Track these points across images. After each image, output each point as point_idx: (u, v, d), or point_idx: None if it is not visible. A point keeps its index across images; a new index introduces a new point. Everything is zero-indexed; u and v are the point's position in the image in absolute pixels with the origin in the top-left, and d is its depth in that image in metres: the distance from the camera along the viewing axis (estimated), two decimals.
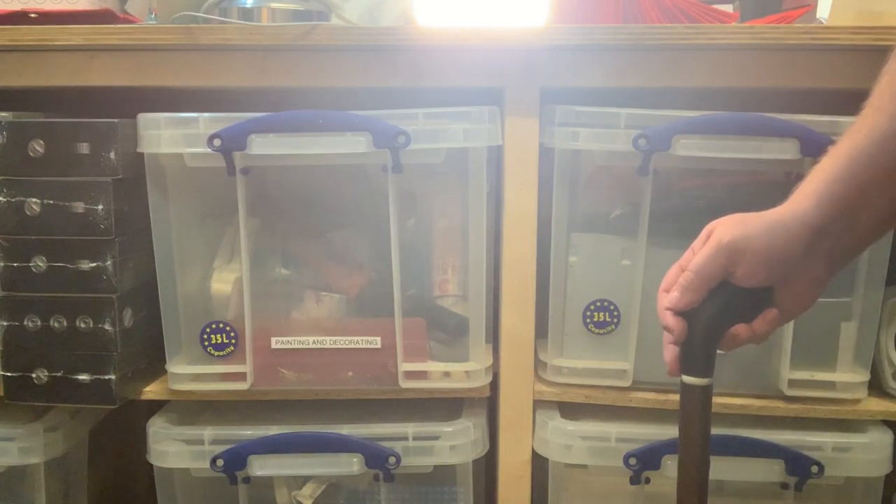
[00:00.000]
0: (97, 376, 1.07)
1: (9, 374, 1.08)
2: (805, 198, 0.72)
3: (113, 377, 1.07)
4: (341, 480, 1.16)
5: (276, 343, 1.11)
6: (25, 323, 1.07)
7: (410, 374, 1.11)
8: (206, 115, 1.05)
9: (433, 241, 1.17)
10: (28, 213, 1.05)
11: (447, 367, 1.11)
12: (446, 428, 1.12)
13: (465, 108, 1.05)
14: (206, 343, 1.12)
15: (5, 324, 1.07)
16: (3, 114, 1.08)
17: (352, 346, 1.11)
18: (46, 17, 1.09)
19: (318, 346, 1.11)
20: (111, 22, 1.10)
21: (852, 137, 0.70)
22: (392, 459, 1.10)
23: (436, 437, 1.11)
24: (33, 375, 1.08)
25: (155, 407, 1.18)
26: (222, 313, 1.14)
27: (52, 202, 1.04)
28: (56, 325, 1.07)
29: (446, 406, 1.17)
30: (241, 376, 1.11)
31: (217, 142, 1.04)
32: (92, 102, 1.21)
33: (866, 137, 0.69)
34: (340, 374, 1.11)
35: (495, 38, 1.05)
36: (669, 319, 0.74)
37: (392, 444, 1.10)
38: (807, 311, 0.76)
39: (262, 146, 1.05)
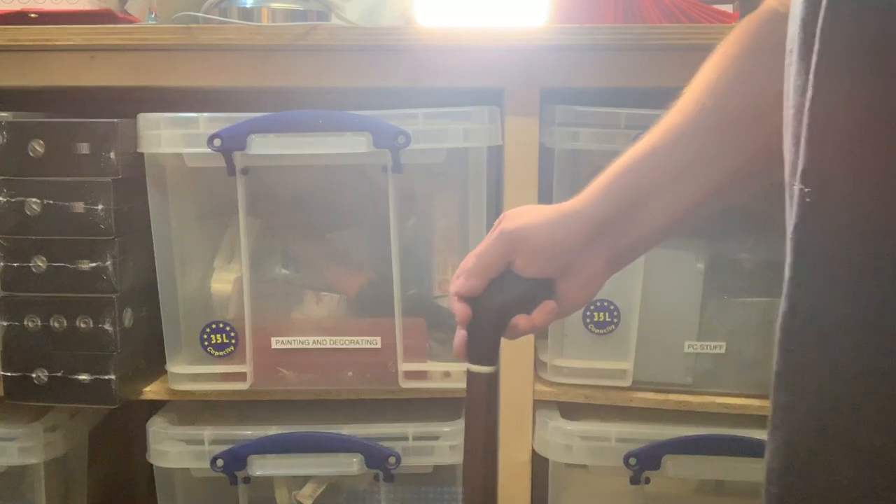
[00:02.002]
0: (97, 376, 1.07)
1: (9, 374, 1.08)
2: (591, 191, 0.72)
3: (113, 377, 1.07)
4: (341, 480, 1.16)
5: (276, 343, 1.11)
6: (25, 323, 1.07)
7: (410, 374, 1.11)
8: (206, 115, 1.05)
9: (433, 241, 1.16)
10: (28, 213, 1.05)
11: (447, 367, 1.11)
12: (446, 428, 1.12)
13: (465, 108, 1.05)
14: (206, 343, 1.12)
15: (5, 324, 1.07)
16: (3, 114, 1.08)
17: (352, 346, 1.11)
18: (46, 17, 1.09)
19: (318, 346, 1.11)
20: (111, 22, 1.10)
21: (649, 135, 0.71)
22: (392, 459, 1.09)
23: (436, 437, 1.11)
24: (33, 375, 1.08)
25: (155, 407, 1.18)
26: (222, 313, 1.14)
27: (52, 202, 1.04)
28: (56, 325, 1.07)
29: (446, 406, 1.17)
30: (241, 376, 1.11)
31: (217, 142, 1.04)
32: (92, 102, 1.21)
33: (659, 136, 0.70)
34: (340, 374, 1.11)
35: (495, 38, 1.05)
36: (455, 304, 0.74)
37: (392, 444, 1.10)
38: (584, 305, 0.76)
39: (262, 146, 1.05)
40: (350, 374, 1.11)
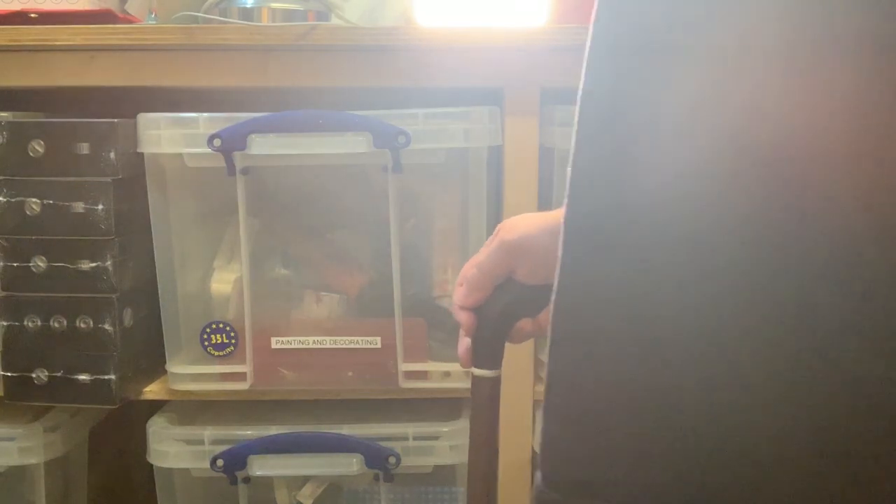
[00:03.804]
0: (97, 376, 1.07)
1: (9, 374, 1.08)
2: None
3: (113, 377, 1.07)
4: (341, 480, 1.16)
5: (276, 343, 1.11)
6: (25, 323, 1.07)
7: (410, 374, 1.11)
8: (206, 115, 1.05)
9: (433, 241, 1.17)
10: (28, 213, 1.05)
11: (447, 367, 1.11)
12: (446, 428, 1.12)
13: (465, 108, 1.05)
14: (206, 343, 1.12)
15: (5, 324, 1.07)
16: (3, 114, 1.08)
17: (352, 346, 1.11)
18: (46, 17, 1.09)
19: (318, 346, 1.11)
20: (111, 22, 1.10)
21: None
22: (392, 459, 1.09)
23: (436, 437, 1.11)
24: (33, 375, 1.08)
25: (155, 407, 1.18)
26: (222, 313, 1.14)
27: (52, 202, 1.04)
28: (56, 325, 1.07)
29: (446, 406, 1.17)
30: (241, 376, 1.11)
31: (217, 142, 1.04)
32: (92, 102, 1.21)
33: None
34: (340, 374, 1.11)
35: (495, 38, 1.05)
36: (460, 315, 0.75)
37: (392, 444, 1.10)
38: None
39: (262, 146, 1.05)
40: (350, 374, 1.11)
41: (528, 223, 0.74)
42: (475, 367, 0.76)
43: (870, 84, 0.44)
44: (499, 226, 0.76)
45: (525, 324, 0.75)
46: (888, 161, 0.44)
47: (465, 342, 0.76)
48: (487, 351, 0.76)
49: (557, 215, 0.73)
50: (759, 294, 0.47)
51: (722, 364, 0.48)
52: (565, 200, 0.54)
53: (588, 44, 0.52)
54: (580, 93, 0.53)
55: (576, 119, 0.53)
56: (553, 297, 0.55)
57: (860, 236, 0.44)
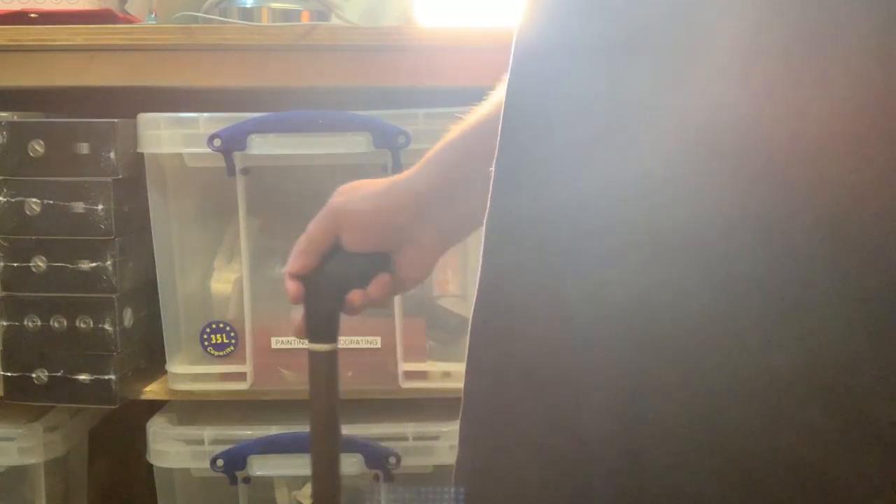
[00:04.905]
0: (97, 376, 1.07)
1: (9, 374, 1.08)
2: (421, 162, 0.72)
3: (113, 377, 1.07)
4: (341, 480, 1.16)
5: (276, 343, 1.11)
6: (25, 323, 1.07)
7: (410, 374, 1.11)
8: (206, 115, 1.05)
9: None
10: (28, 213, 1.05)
11: (447, 367, 1.11)
12: (446, 428, 1.12)
13: (465, 108, 1.05)
14: (206, 343, 1.12)
15: (5, 324, 1.07)
16: (3, 114, 1.08)
17: (352, 346, 1.11)
18: (46, 17, 1.09)
19: None
20: (111, 22, 1.10)
21: (482, 105, 0.71)
22: (392, 459, 1.09)
23: (436, 437, 1.11)
24: (33, 375, 1.08)
25: (155, 407, 1.18)
26: (222, 313, 1.14)
27: (52, 202, 1.04)
28: (56, 325, 1.07)
29: (446, 406, 1.17)
30: (241, 376, 1.11)
31: (217, 142, 1.04)
32: (92, 102, 1.21)
33: (488, 107, 0.70)
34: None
35: (495, 37, 1.05)
36: (288, 283, 0.73)
37: (392, 444, 1.10)
38: (423, 280, 0.75)
39: (262, 146, 1.05)
40: (350, 374, 1.11)
41: (360, 187, 0.73)
42: (309, 340, 0.74)
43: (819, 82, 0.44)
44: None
45: (354, 295, 0.72)
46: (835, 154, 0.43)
47: (297, 313, 0.74)
48: (320, 323, 0.73)
49: (390, 180, 0.72)
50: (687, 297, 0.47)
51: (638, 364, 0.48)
52: (489, 199, 0.54)
53: (513, 45, 0.52)
54: (506, 93, 0.52)
55: (501, 119, 0.52)
56: (476, 293, 0.54)
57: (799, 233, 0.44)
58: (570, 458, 0.50)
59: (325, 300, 0.73)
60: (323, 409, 0.75)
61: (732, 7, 0.45)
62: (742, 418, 0.45)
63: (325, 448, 0.75)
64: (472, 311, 0.54)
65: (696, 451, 0.46)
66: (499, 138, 0.53)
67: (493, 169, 0.53)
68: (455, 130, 0.71)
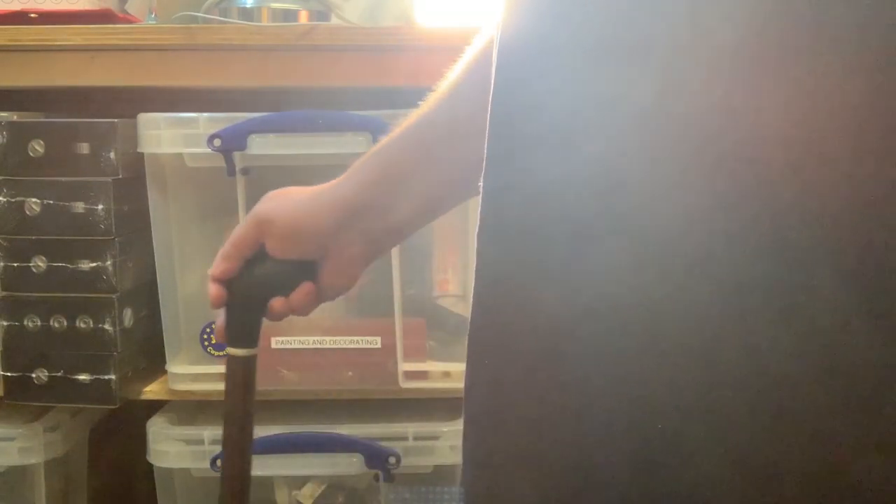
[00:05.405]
0: (97, 376, 1.07)
1: (9, 374, 1.08)
2: (348, 173, 0.71)
3: (113, 377, 1.07)
4: (341, 480, 1.16)
5: (276, 343, 1.11)
6: (25, 323, 1.07)
7: (410, 374, 1.11)
8: (206, 115, 1.05)
9: (433, 241, 1.16)
10: (28, 213, 1.05)
11: (447, 367, 1.11)
12: (446, 428, 1.12)
13: None
14: (206, 343, 1.12)
15: (5, 324, 1.07)
16: (3, 114, 1.08)
17: (352, 346, 1.11)
18: (46, 17, 1.09)
19: (318, 346, 1.11)
20: (111, 22, 1.10)
21: (408, 116, 0.70)
22: (392, 459, 1.09)
23: (436, 437, 1.11)
24: (33, 375, 1.07)
25: (155, 407, 1.18)
26: None
27: (52, 202, 1.04)
28: (56, 325, 1.07)
29: (446, 406, 1.17)
30: None
31: (217, 142, 1.04)
32: (92, 102, 1.21)
33: (413, 118, 0.69)
34: (340, 374, 1.11)
35: None
36: (210, 286, 0.73)
37: (392, 444, 1.10)
38: (348, 289, 0.74)
39: (262, 146, 1.05)
40: (350, 374, 1.11)
41: (286, 195, 0.72)
42: (228, 344, 0.74)
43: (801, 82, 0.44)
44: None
45: (276, 302, 0.72)
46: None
47: (221, 317, 0.74)
48: (239, 328, 0.73)
49: (315, 189, 0.72)
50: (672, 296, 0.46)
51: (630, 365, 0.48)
52: (480, 198, 0.53)
53: (497, 43, 0.52)
54: (492, 89, 0.52)
55: (488, 116, 0.52)
56: (473, 287, 0.54)
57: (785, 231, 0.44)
58: (569, 465, 0.49)
59: (245, 306, 0.73)
60: (237, 412, 0.75)
61: (721, 9, 0.45)
62: (753, 423, 0.45)
63: (237, 451, 0.75)
64: (470, 312, 0.54)
65: (707, 456, 0.46)
66: (487, 143, 0.53)
67: (481, 182, 0.53)
68: (383, 141, 0.71)
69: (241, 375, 0.74)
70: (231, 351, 0.74)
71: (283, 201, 0.71)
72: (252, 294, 0.72)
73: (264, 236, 0.71)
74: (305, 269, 0.72)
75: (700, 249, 0.45)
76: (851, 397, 0.43)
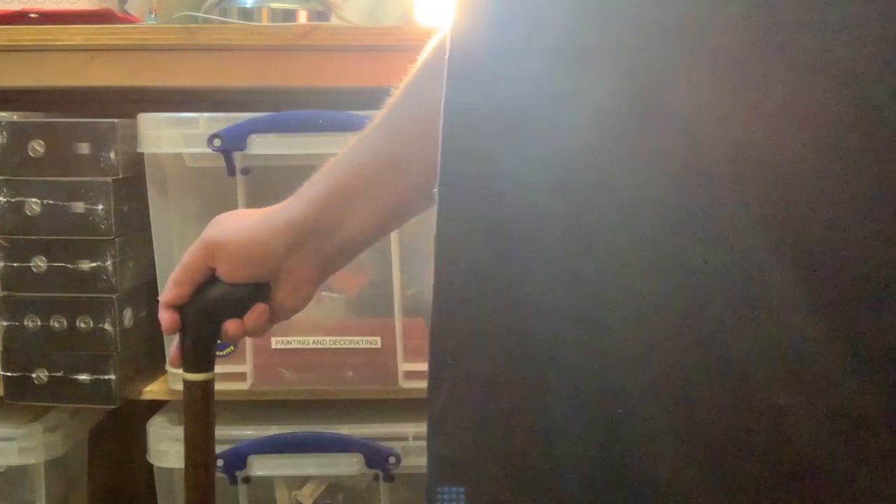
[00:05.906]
0: (97, 376, 1.07)
1: (9, 374, 1.08)
2: (295, 195, 0.72)
3: (113, 377, 1.07)
4: (341, 480, 1.16)
5: (276, 343, 1.11)
6: (25, 323, 1.07)
7: (410, 374, 1.11)
8: (206, 115, 1.05)
9: (433, 241, 1.16)
10: (28, 213, 1.05)
11: None
12: None
13: None
14: None
15: (5, 324, 1.07)
16: (3, 114, 1.08)
17: (352, 346, 1.11)
18: (46, 17, 1.09)
19: (318, 346, 1.11)
20: (111, 22, 1.10)
21: (355, 136, 0.71)
22: (392, 459, 1.09)
23: None
24: (33, 375, 1.08)
25: (155, 407, 1.18)
26: None
27: (52, 202, 1.04)
28: (56, 325, 1.07)
29: None
30: (241, 376, 1.11)
31: (217, 142, 1.04)
32: (92, 102, 1.21)
33: (357, 137, 0.70)
34: (340, 374, 1.11)
35: None
36: (161, 313, 0.73)
37: (392, 444, 1.10)
38: (300, 309, 0.74)
39: (262, 146, 1.05)
40: (350, 374, 1.11)
41: (234, 218, 0.73)
42: (184, 370, 0.74)
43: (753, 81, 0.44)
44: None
45: (230, 325, 0.72)
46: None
47: (175, 343, 0.74)
48: (195, 353, 0.73)
49: (264, 211, 0.72)
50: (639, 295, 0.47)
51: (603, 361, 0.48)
52: (437, 205, 0.54)
53: (448, 47, 0.52)
54: (444, 91, 0.52)
55: (441, 118, 0.52)
56: (433, 289, 0.55)
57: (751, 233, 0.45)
58: (535, 454, 0.51)
59: (199, 330, 0.73)
60: (197, 437, 0.75)
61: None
62: (710, 401, 0.46)
63: (200, 479, 0.75)
64: (430, 315, 0.55)
65: (667, 434, 0.47)
66: (441, 144, 0.53)
67: (436, 189, 0.53)
68: (330, 161, 0.71)
69: (201, 399, 0.74)
70: (187, 376, 0.74)
71: (233, 225, 0.72)
72: (205, 319, 0.72)
73: (214, 261, 0.71)
74: (258, 292, 0.72)
75: (652, 240, 0.46)
76: (803, 374, 0.44)
